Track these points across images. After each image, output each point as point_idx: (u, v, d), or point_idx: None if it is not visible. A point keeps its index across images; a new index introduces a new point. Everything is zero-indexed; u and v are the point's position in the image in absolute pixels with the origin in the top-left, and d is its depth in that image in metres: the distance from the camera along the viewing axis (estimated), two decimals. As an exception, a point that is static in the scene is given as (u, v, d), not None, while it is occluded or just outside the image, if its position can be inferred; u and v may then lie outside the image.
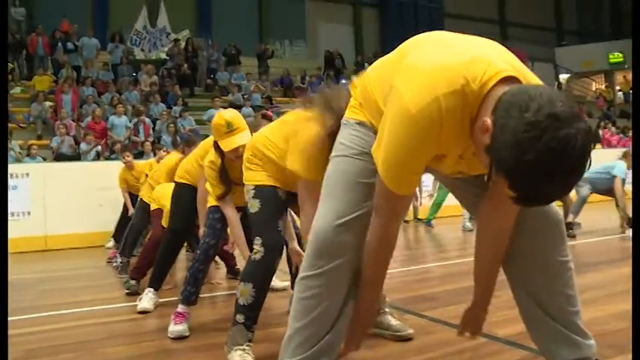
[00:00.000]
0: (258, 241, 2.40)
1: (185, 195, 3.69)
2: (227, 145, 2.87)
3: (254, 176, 2.53)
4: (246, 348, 2.41)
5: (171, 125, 10.31)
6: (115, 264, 5.63)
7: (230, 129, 2.86)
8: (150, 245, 4.21)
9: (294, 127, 2.37)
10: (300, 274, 1.66)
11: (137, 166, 6.53)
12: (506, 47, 1.48)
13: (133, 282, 4.23)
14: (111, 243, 7.15)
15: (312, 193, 2.54)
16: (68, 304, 3.98)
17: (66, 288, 4.81)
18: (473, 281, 1.78)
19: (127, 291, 4.21)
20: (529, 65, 1.95)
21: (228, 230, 3.20)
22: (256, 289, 2.38)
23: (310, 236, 1.65)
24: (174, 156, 4.96)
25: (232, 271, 4.85)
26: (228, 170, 2.96)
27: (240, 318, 2.41)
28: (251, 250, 2.47)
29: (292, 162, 2.32)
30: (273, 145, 2.52)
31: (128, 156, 6.52)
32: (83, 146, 9.44)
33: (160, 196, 4.42)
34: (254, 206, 2.46)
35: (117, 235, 6.66)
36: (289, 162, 2.35)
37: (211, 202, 3.16)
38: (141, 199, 5.30)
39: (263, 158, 2.54)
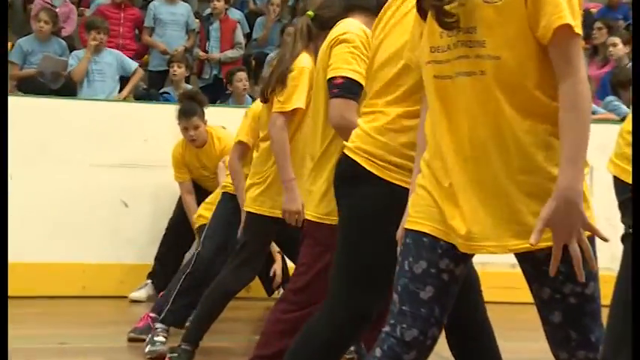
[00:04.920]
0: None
1: None
2: None
3: None
4: None
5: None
6: (150, 347, 3.03)
7: None
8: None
9: None
10: None
11: (217, 138, 3.85)
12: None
13: None
14: (142, 292, 4.17)
15: None
16: None
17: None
18: None
19: None
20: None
21: None
22: None
23: None
24: None
25: None
26: None
27: None
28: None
29: None
30: None
31: (197, 127, 3.74)
32: (81, 56, 5.34)
33: None
34: None
35: (158, 270, 4.14)
36: None
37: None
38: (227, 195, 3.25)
39: None
